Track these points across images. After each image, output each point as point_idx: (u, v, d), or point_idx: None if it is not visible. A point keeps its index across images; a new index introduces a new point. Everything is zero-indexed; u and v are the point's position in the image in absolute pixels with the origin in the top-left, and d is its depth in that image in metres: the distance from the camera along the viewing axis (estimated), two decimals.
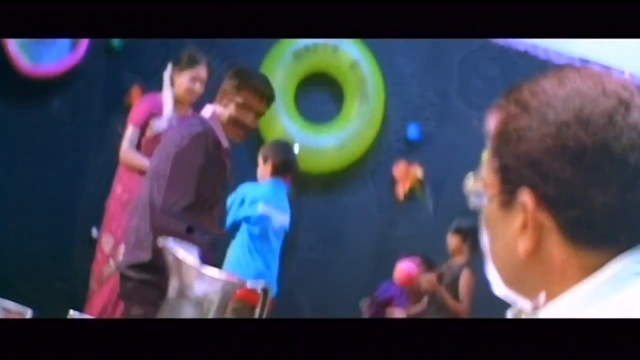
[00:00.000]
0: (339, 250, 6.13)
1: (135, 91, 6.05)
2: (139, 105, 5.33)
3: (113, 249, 5.10)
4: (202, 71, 5.17)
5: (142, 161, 5.09)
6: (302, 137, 6.21)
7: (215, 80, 5.66)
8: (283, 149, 5.35)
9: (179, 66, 5.16)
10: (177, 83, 5.15)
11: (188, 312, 2.85)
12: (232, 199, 5.15)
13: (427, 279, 5.52)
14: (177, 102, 5.19)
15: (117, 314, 4.99)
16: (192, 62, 5.16)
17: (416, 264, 5.64)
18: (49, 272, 5.83)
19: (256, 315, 4.03)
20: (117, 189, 5.17)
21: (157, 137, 5.13)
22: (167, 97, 5.18)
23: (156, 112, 5.17)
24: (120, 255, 5.02)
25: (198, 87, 5.16)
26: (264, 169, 5.26)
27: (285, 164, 5.22)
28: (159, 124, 5.16)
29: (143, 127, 5.17)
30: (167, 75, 5.20)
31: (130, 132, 5.18)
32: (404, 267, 5.63)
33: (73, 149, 5.96)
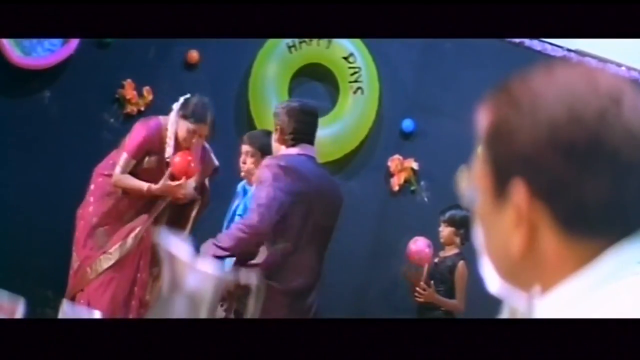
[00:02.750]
0: (332, 242, 6.11)
1: (128, 84, 6.03)
2: (137, 135, 5.21)
3: (77, 270, 5.12)
4: (204, 129, 5.14)
5: (137, 183, 5.12)
6: None
7: (208, 72, 5.66)
8: (260, 135, 5.31)
9: (184, 111, 5.13)
10: (179, 125, 5.12)
11: (181, 306, 2.84)
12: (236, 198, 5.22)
13: (425, 295, 5.51)
14: (177, 143, 5.17)
15: None
16: (196, 117, 5.12)
17: (429, 246, 5.61)
18: (38, 264, 5.82)
19: (250, 310, 4.01)
20: (89, 208, 5.17)
21: (149, 171, 5.13)
22: (170, 140, 5.15)
23: (153, 148, 5.16)
24: (82, 279, 5.06)
25: (195, 140, 5.13)
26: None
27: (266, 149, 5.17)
28: (153, 162, 5.16)
29: (138, 160, 5.16)
30: (173, 112, 5.16)
31: (123, 160, 5.14)
32: (417, 246, 5.61)
33: (64, 141, 5.94)
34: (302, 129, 4.57)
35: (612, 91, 1.09)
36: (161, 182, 5.05)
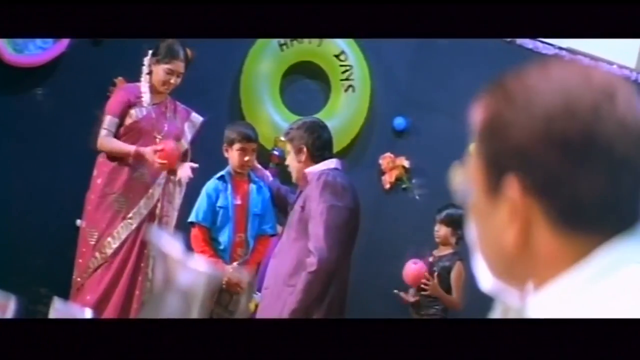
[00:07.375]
0: None
1: (120, 82, 6.01)
2: (116, 95, 5.38)
3: (98, 241, 5.09)
4: (179, 66, 5.21)
5: (121, 146, 5.13)
6: None
7: (199, 70, 5.65)
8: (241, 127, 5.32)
9: (157, 57, 5.20)
10: (154, 72, 5.19)
11: (173, 304, 2.83)
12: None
13: (430, 287, 5.53)
14: (154, 91, 5.21)
15: (111, 306, 4.98)
16: (169, 56, 5.18)
17: (424, 266, 5.63)
18: (33, 262, 5.81)
19: (241, 305, 4.01)
20: (98, 180, 5.16)
21: (136, 125, 5.16)
22: (144, 86, 5.20)
23: (133, 101, 5.22)
24: (106, 247, 5.03)
25: (174, 80, 5.21)
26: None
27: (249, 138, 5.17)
28: (138, 112, 5.19)
29: (121, 117, 5.19)
30: (145, 64, 5.22)
31: (107, 121, 5.21)
32: (414, 268, 5.62)
33: (57, 139, 5.93)
34: (325, 142, 4.58)
35: (606, 86, 1.09)
36: (149, 149, 5.06)
